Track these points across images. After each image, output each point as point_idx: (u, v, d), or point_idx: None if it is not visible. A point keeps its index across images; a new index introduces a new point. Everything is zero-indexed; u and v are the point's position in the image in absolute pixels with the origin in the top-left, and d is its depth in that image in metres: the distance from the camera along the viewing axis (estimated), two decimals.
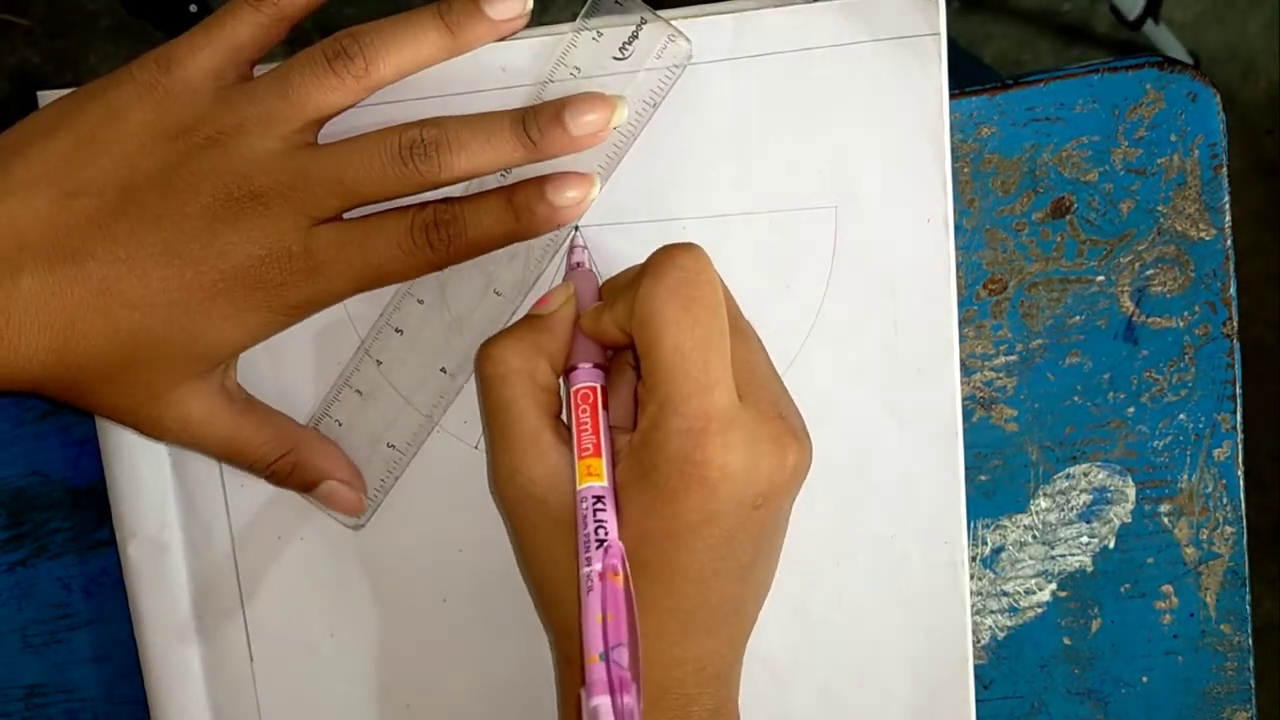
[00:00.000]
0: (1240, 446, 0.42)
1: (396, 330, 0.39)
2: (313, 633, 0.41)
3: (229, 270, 0.34)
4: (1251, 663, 0.43)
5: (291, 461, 0.38)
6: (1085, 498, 0.42)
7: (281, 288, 0.35)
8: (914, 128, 0.37)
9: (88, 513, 0.43)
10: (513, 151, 0.35)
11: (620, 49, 0.37)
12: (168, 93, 0.35)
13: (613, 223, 0.38)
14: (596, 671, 0.31)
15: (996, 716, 0.43)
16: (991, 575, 0.43)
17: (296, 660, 0.41)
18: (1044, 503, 0.42)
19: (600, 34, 0.37)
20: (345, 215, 0.36)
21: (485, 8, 0.35)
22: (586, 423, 0.34)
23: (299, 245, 0.35)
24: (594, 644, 0.31)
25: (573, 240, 0.38)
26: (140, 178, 0.34)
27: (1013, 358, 0.41)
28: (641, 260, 0.34)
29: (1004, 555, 0.42)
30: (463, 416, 0.39)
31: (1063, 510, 0.42)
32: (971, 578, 0.42)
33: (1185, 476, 0.42)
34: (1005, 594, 0.43)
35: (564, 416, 0.36)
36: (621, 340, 0.35)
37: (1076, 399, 0.41)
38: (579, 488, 0.33)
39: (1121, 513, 0.42)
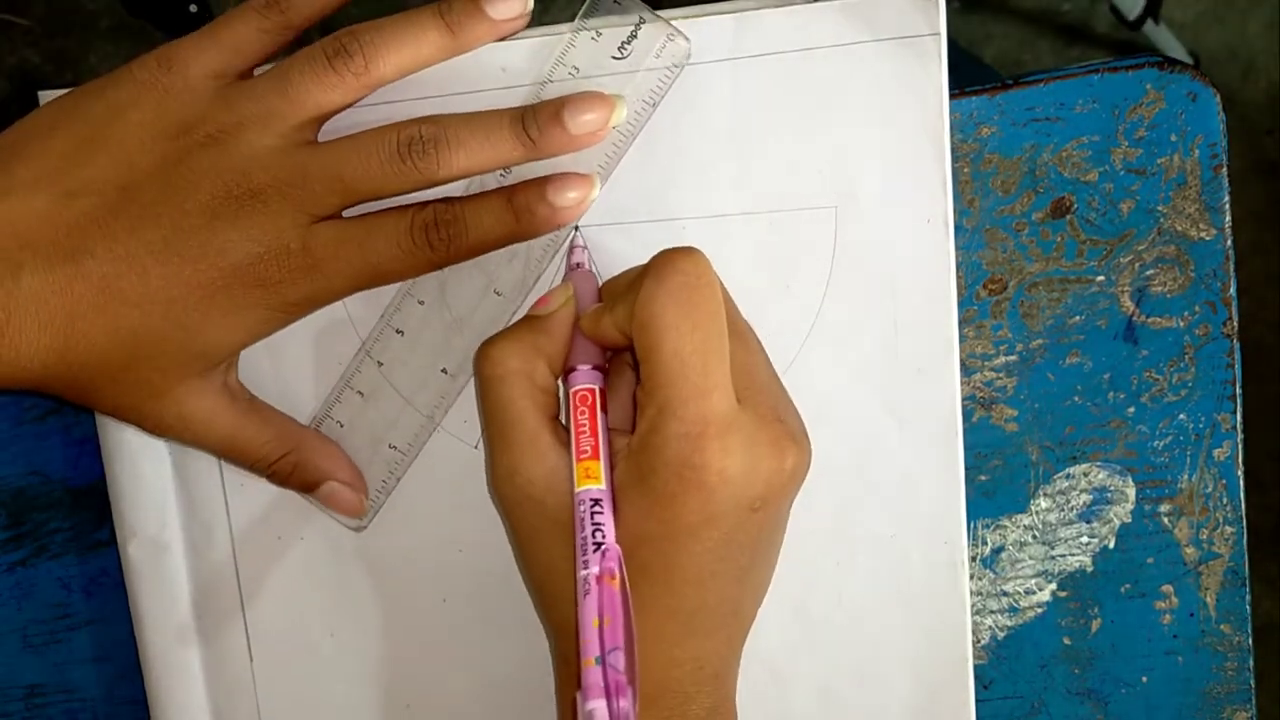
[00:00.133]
0: (1240, 446, 0.42)
1: (397, 331, 0.39)
2: (313, 633, 0.41)
3: (228, 267, 0.34)
4: (1251, 663, 0.43)
5: (293, 461, 0.38)
6: (1085, 498, 0.42)
7: (280, 285, 0.35)
8: (914, 128, 0.37)
9: (88, 512, 0.43)
10: (512, 150, 0.35)
11: (619, 48, 0.37)
12: (167, 91, 0.35)
13: (613, 223, 0.38)
14: (592, 675, 0.31)
15: (996, 716, 0.43)
16: (991, 575, 0.43)
17: (297, 660, 0.41)
18: (1044, 503, 0.42)
19: (599, 34, 0.37)
20: (346, 214, 0.36)
21: (486, 7, 0.35)
22: (585, 425, 0.34)
23: (298, 243, 0.35)
24: (590, 648, 0.31)
25: (573, 240, 0.38)
26: (140, 176, 0.34)
27: (1013, 358, 0.41)
28: (641, 260, 0.34)
29: (1004, 555, 0.42)
30: (463, 416, 0.39)
31: (1063, 510, 0.42)
32: (971, 578, 0.42)
33: (1185, 476, 0.42)
34: (1005, 594, 0.43)
35: (562, 418, 0.36)
36: (621, 342, 0.35)
37: (1076, 399, 0.41)
38: (577, 490, 0.33)
39: (1121, 513, 0.42)
